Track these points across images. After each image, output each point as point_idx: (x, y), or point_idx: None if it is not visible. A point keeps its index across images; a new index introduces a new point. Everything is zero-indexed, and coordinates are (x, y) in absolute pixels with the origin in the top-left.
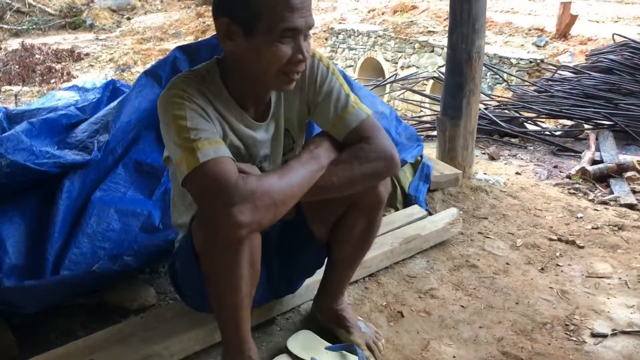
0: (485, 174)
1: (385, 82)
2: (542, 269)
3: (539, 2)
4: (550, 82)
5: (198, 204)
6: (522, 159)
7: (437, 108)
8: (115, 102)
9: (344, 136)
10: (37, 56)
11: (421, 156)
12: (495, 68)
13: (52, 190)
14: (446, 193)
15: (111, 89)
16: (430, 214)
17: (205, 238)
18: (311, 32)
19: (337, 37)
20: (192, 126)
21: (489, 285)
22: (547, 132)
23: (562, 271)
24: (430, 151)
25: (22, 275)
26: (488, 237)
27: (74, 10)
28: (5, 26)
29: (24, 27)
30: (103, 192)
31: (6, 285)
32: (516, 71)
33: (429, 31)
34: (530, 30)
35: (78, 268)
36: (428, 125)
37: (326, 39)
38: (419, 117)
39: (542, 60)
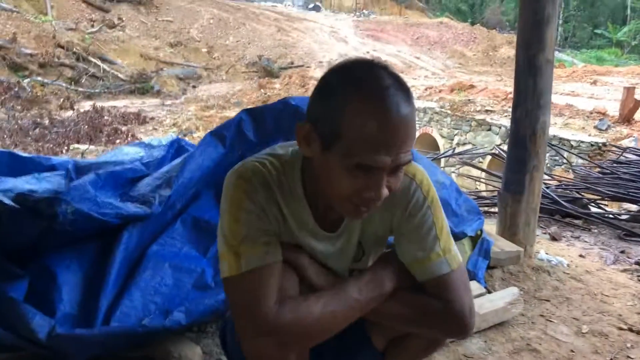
0: (547, 253)
1: (443, 155)
2: (610, 359)
3: (601, 87)
4: (615, 165)
5: (231, 309)
6: (585, 241)
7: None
8: (180, 159)
9: (420, 280)
10: (105, 118)
11: (481, 230)
12: (555, 147)
13: (111, 241)
14: (506, 271)
15: (176, 147)
16: (489, 292)
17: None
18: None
19: None
20: (243, 227)
21: None
22: (612, 215)
23: None
24: (488, 228)
25: (74, 324)
26: (550, 321)
27: (144, 77)
28: (80, 89)
29: (96, 90)
30: (160, 246)
31: (58, 332)
32: (577, 153)
33: (487, 110)
34: (591, 113)
35: (128, 320)
36: (487, 201)
37: None
38: (477, 192)
39: (604, 144)
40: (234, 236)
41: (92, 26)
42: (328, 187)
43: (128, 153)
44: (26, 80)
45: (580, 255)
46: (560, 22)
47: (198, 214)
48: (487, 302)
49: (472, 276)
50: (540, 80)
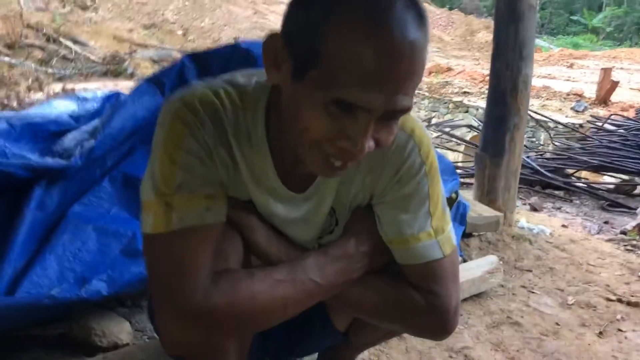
0: (528, 222)
1: None
2: (600, 332)
3: (577, 69)
4: (596, 136)
5: (148, 278)
6: (567, 212)
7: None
8: (109, 109)
9: (401, 264)
10: None
11: (456, 193)
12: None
13: (20, 199)
14: (483, 240)
15: (113, 101)
16: (465, 260)
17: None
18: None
19: None
20: (181, 170)
21: (535, 348)
22: (595, 185)
23: (625, 337)
24: (464, 194)
25: None
26: (533, 292)
27: (117, 59)
28: (50, 70)
29: (67, 72)
30: (83, 206)
31: None
32: (554, 134)
33: (464, 92)
34: (568, 95)
35: (39, 291)
36: (461, 171)
37: None
38: (454, 163)
39: (581, 125)
40: (167, 182)
41: (64, 7)
42: (294, 128)
43: (57, 107)
44: None
45: (563, 226)
46: (537, 9)
47: (131, 171)
48: (464, 271)
49: None
50: (522, 28)
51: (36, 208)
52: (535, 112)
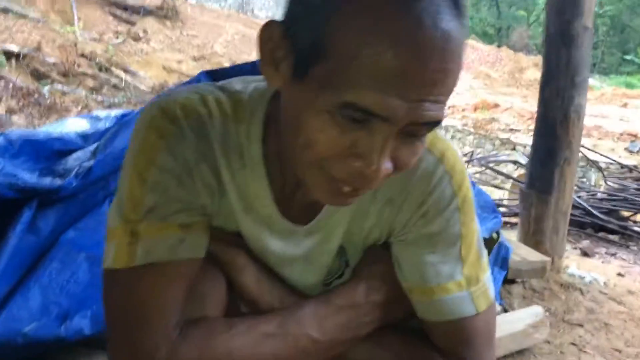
0: (579, 269)
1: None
2: None
3: (631, 109)
4: None
5: (105, 319)
6: (623, 259)
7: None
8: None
9: (423, 319)
10: None
11: (498, 233)
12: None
13: (8, 222)
14: (528, 287)
15: (127, 120)
16: (505, 310)
17: None
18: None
19: None
20: (152, 191)
21: None
22: None
23: None
24: (507, 236)
25: None
26: (585, 352)
27: (165, 88)
28: (100, 98)
29: (117, 100)
30: (78, 232)
31: None
32: (607, 175)
33: (511, 129)
34: (622, 135)
35: (18, 326)
36: (505, 210)
37: None
38: (498, 200)
39: (635, 167)
40: (135, 206)
41: (117, 38)
42: (294, 143)
43: (68, 125)
44: (46, 88)
45: (619, 274)
46: (593, 31)
47: None
48: (503, 324)
49: None
50: (576, 53)
51: (26, 231)
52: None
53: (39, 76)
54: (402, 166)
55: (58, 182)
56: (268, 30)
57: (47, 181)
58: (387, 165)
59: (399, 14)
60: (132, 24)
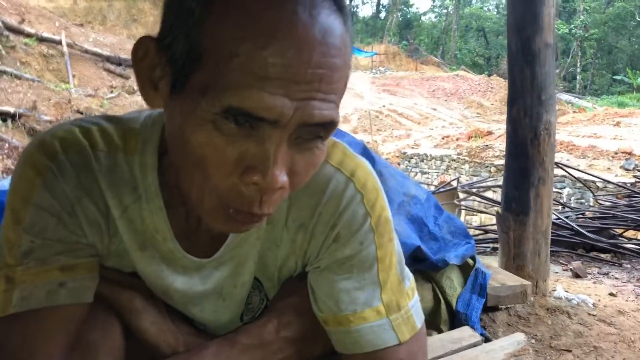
0: (566, 291)
1: (444, 189)
2: None
3: (624, 128)
4: None
5: None
6: (616, 278)
7: None
8: None
9: (342, 353)
10: None
11: (473, 259)
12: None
13: None
14: (512, 314)
15: None
16: (487, 340)
17: None
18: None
19: (409, 162)
20: (29, 233)
21: None
22: None
23: None
24: (489, 263)
25: None
26: None
27: None
28: None
29: None
30: None
31: None
32: (604, 194)
33: None
34: (616, 153)
35: None
36: (495, 236)
37: (398, 164)
38: (485, 226)
39: (632, 184)
40: (11, 249)
41: (112, 92)
42: (185, 163)
43: None
44: None
45: (611, 294)
46: (579, 70)
47: None
48: (482, 355)
49: (464, 319)
50: (540, 70)
51: None
52: (580, 170)
53: (34, 134)
54: (299, 179)
55: None
56: (142, 47)
57: None
58: (282, 177)
59: (274, 8)
60: (126, 77)
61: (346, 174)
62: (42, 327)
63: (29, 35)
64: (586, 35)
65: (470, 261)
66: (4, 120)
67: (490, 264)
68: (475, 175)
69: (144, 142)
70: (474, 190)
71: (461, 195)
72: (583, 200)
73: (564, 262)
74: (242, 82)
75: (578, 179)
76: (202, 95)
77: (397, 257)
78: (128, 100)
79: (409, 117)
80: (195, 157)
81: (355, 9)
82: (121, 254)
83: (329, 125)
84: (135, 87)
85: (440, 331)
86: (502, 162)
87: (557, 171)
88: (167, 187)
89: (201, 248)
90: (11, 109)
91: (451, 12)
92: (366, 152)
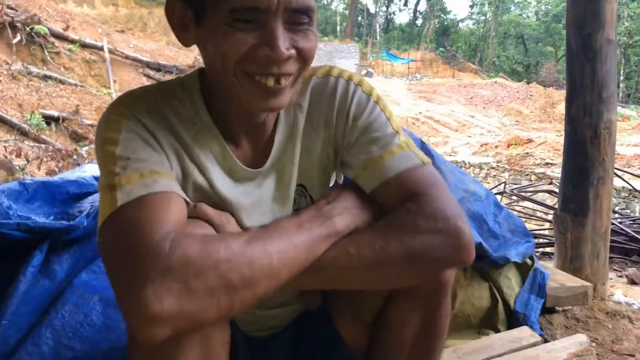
0: (625, 295)
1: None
2: None
3: None
4: None
5: (108, 276)
6: None
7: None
8: None
9: (376, 186)
10: None
11: (532, 259)
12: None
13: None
14: (570, 316)
15: None
16: (546, 341)
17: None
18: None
19: None
20: (122, 153)
21: None
22: None
23: None
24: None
25: None
26: None
27: None
28: None
29: None
30: (91, 274)
31: None
32: None
33: (546, 163)
34: None
35: None
36: (543, 240)
37: None
38: (533, 231)
39: None
40: (109, 166)
41: None
42: (221, 66)
43: (86, 170)
44: (84, 149)
45: None
46: (622, 78)
47: None
48: (544, 354)
49: (522, 319)
50: (601, 67)
51: (40, 274)
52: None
53: (77, 138)
54: (305, 55)
55: (65, 222)
56: (170, 6)
57: (56, 222)
58: (290, 51)
59: None
60: None
61: (345, 78)
62: (149, 205)
63: (72, 42)
64: (630, 42)
65: (529, 261)
66: (48, 124)
67: (545, 266)
68: (515, 184)
69: (189, 91)
70: (523, 194)
71: (506, 201)
72: (628, 211)
73: (618, 269)
74: None
75: (633, 187)
76: (213, 10)
77: (399, 125)
78: None
79: (446, 124)
80: (223, 51)
81: (392, 16)
82: (199, 171)
83: (309, 11)
84: None
85: (497, 330)
86: (543, 170)
87: None
88: (216, 119)
89: (252, 162)
90: (55, 113)
91: (489, 19)
92: (424, 147)
